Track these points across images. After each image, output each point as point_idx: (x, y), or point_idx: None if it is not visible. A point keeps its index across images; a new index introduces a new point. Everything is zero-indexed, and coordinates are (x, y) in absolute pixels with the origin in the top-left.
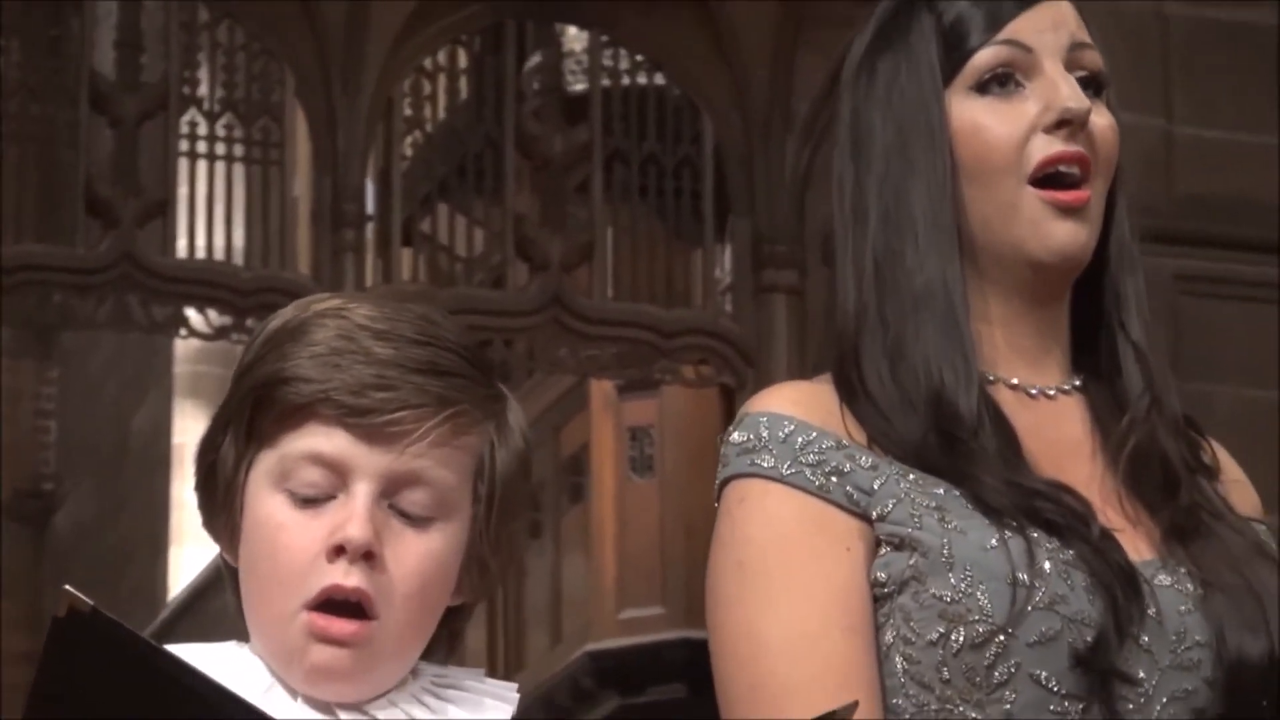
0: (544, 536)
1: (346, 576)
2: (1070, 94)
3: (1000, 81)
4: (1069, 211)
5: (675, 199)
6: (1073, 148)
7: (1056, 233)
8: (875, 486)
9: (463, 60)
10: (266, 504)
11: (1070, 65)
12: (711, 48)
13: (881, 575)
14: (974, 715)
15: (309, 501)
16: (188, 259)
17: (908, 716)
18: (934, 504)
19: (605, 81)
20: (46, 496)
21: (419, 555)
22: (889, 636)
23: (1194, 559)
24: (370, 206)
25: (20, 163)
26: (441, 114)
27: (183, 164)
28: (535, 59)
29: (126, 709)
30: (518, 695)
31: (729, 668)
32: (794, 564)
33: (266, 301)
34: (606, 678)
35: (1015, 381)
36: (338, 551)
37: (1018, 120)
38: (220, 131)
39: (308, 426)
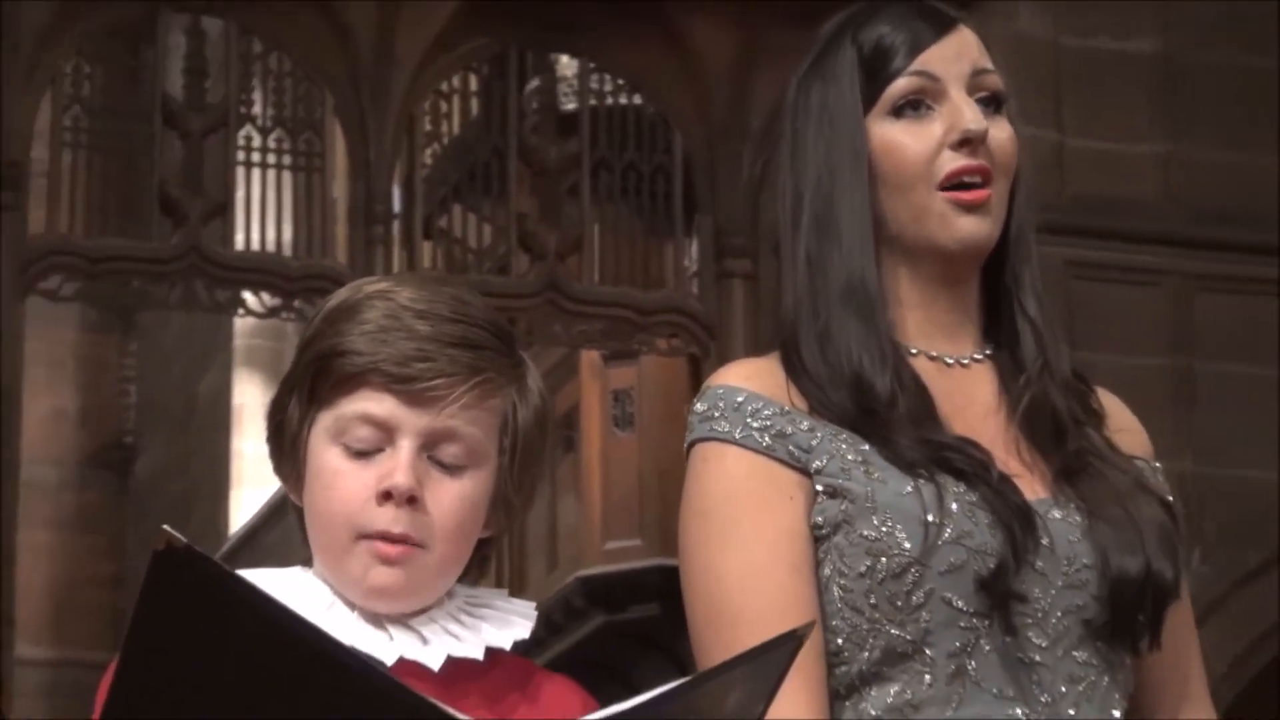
0: (542, 481)
1: (394, 523)
2: (972, 117)
3: (913, 106)
4: (972, 208)
5: (650, 200)
6: (974, 161)
7: (962, 226)
8: (812, 445)
9: (474, 84)
10: (325, 455)
11: (972, 89)
12: (680, 72)
13: (819, 519)
14: (897, 632)
15: (361, 454)
16: (245, 251)
17: (843, 636)
18: (860, 459)
19: (592, 101)
20: (127, 449)
21: (454, 498)
22: (827, 570)
23: (1081, 495)
24: (396, 206)
25: (104, 171)
26: (456, 129)
27: (240, 171)
28: (534, 83)
29: (214, 633)
30: (536, 613)
31: (693, 600)
32: (746, 512)
33: (311, 286)
34: (594, 598)
35: (934, 353)
36: (386, 496)
37: (928, 139)
38: (271, 144)
39: (360, 392)
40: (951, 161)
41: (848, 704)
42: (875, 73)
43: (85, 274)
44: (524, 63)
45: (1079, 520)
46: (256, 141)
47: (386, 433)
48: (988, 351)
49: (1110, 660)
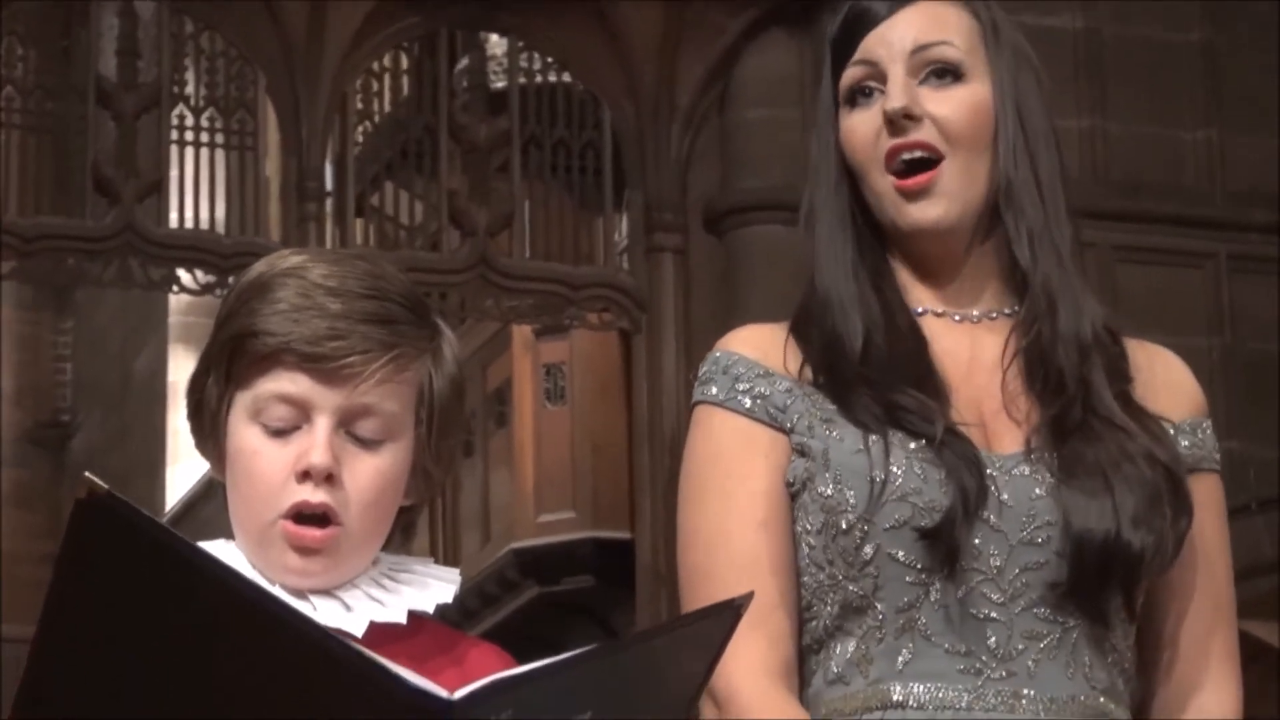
0: (475, 455)
1: (313, 494)
2: (892, 96)
3: (864, 93)
4: (914, 194)
5: (580, 176)
6: (902, 139)
7: (909, 212)
8: (788, 404)
9: (404, 63)
10: (243, 434)
11: (917, 66)
12: (608, 50)
13: (790, 478)
14: (852, 588)
15: (279, 433)
16: (179, 229)
17: (810, 591)
18: (825, 417)
19: (522, 80)
20: (63, 426)
21: (371, 472)
22: (798, 528)
23: (1061, 455)
24: (329, 184)
25: (38, 150)
26: (387, 107)
27: (173, 150)
28: (464, 61)
29: (138, 579)
30: (460, 578)
31: (679, 552)
32: (722, 472)
33: (244, 264)
34: (528, 570)
35: (940, 310)
36: (305, 475)
37: (871, 123)
38: (204, 123)
39: (275, 371)
40: (887, 142)
41: (818, 659)
42: (836, 69)
43: (20, 253)
44: (454, 41)
45: (1046, 477)
46: (190, 121)
47: (303, 411)
48: (1016, 308)
49: (1079, 620)
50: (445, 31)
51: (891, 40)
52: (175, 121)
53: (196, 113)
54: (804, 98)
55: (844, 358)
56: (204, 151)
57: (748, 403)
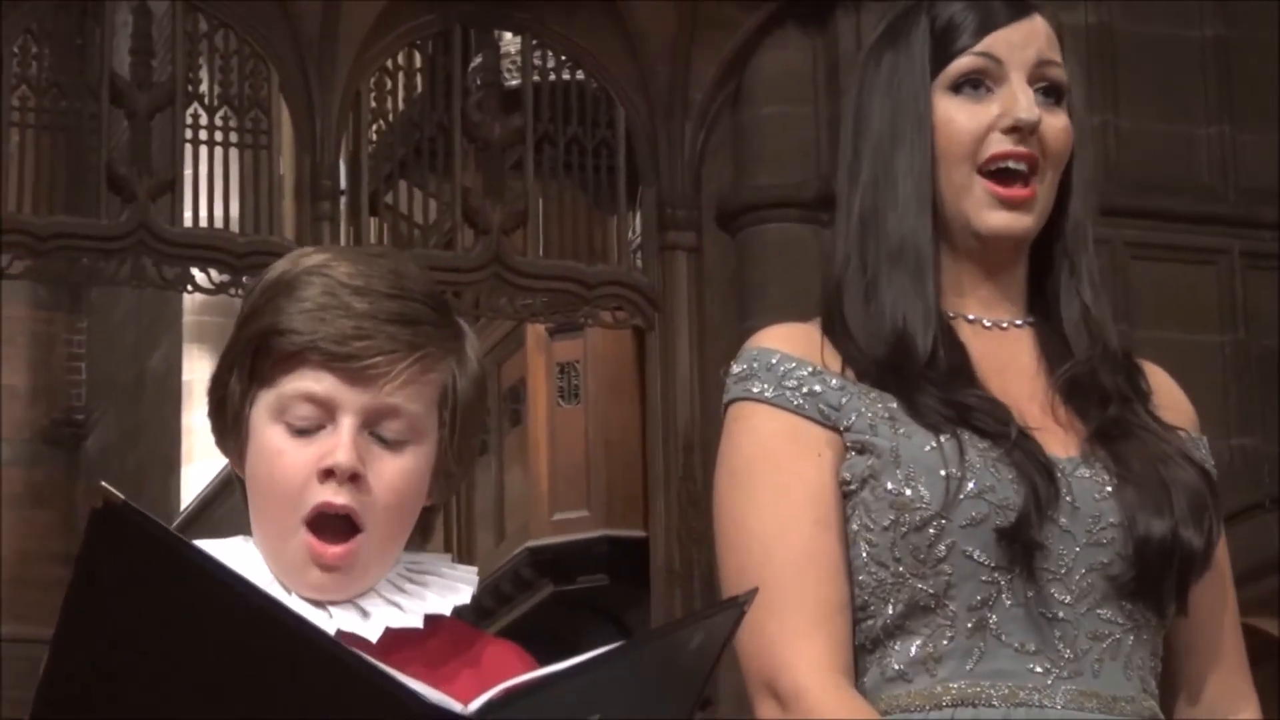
0: (489, 453)
1: (336, 495)
2: (1026, 105)
3: (972, 84)
4: (1009, 204)
5: (594, 174)
6: (1020, 148)
7: (996, 219)
8: (842, 403)
9: (418, 61)
10: (267, 432)
11: (1034, 78)
12: (622, 48)
13: (847, 475)
14: (920, 586)
15: (303, 432)
16: (192, 227)
17: (869, 591)
18: (888, 415)
19: (535, 77)
20: (78, 425)
21: (395, 473)
22: (854, 526)
23: (1114, 457)
24: (343, 182)
25: (52, 149)
26: (401, 105)
27: (187, 149)
28: (478, 59)
29: (153, 590)
30: (477, 578)
31: (724, 552)
32: (775, 468)
33: (258, 262)
34: (542, 569)
35: (971, 316)
36: (328, 474)
37: (980, 119)
38: (218, 121)
39: (300, 370)
40: (998, 144)
41: (873, 658)
42: (943, 46)
43: (34, 252)
44: (468, 39)
45: (1107, 479)
46: (204, 119)
47: (327, 411)
48: (1030, 320)
49: (1137, 620)
50: (459, 29)
51: (1017, 45)
52: (189, 120)
53: (210, 111)
54: (818, 95)
55: (912, 355)
56: (218, 150)
57: (798, 400)
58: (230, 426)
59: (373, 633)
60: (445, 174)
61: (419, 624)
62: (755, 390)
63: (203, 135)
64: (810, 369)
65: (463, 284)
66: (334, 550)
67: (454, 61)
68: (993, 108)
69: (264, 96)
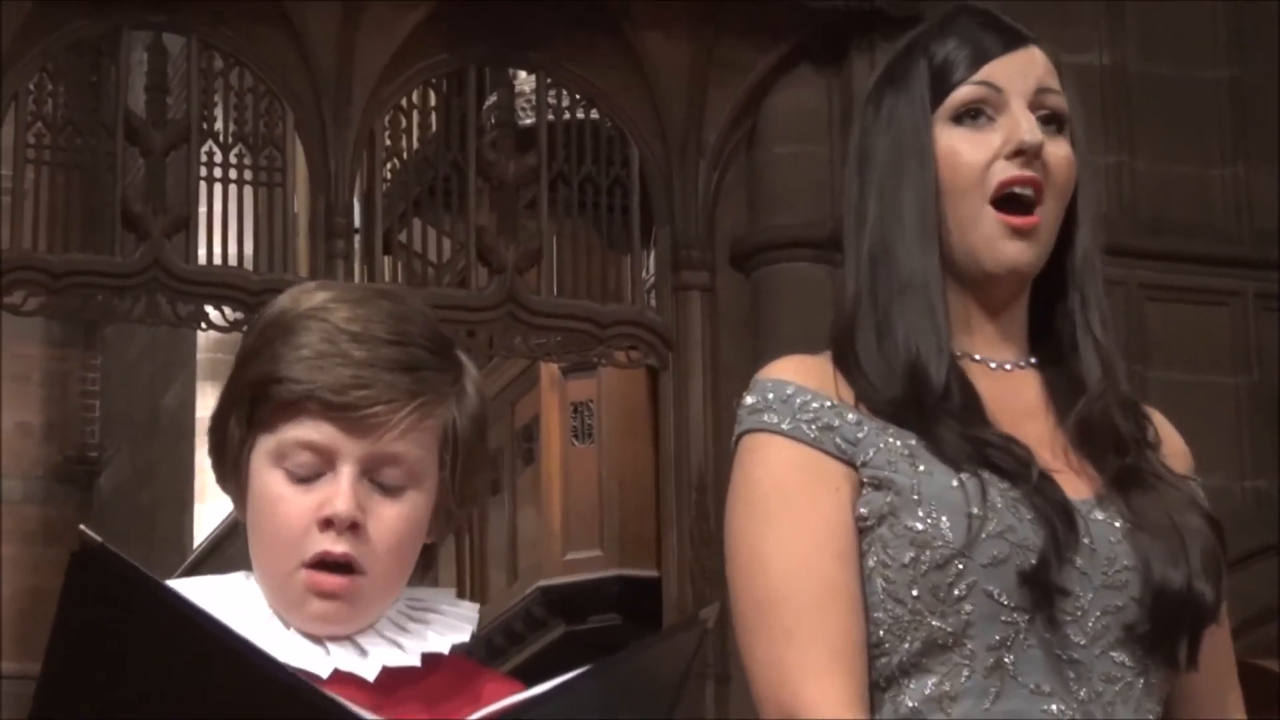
0: (502, 492)
1: (335, 544)
2: (1028, 128)
3: (973, 115)
4: (1020, 233)
5: (608, 213)
6: (1026, 172)
7: (1007, 250)
8: (859, 437)
9: (433, 99)
10: (266, 478)
11: (1034, 105)
12: (637, 87)
13: (864, 511)
14: (938, 624)
15: (302, 479)
16: (207, 265)
17: (884, 628)
18: (907, 451)
19: (550, 116)
20: (91, 462)
21: (395, 519)
22: (871, 562)
23: (1128, 503)
24: (357, 221)
25: (67, 186)
26: (415, 144)
27: (202, 186)
28: (492, 98)
29: (132, 633)
30: (478, 614)
31: (740, 585)
32: (792, 501)
33: (272, 300)
34: (555, 608)
35: (978, 357)
36: (328, 523)
37: (985, 148)
38: (233, 159)
39: (299, 418)
40: (1004, 171)
41: (887, 695)
42: (941, 80)
43: (49, 289)
44: (482, 78)
45: (1120, 524)
46: (218, 157)
47: (326, 459)
48: (1033, 360)
49: (1146, 664)
50: (474, 68)
51: (1015, 73)
52: (204, 158)
53: (225, 149)
54: (832, 134)
55: (927, 388)
56: (232, 188)
57: (814, 433)
58: (230, 469)
59: (370, 671)
60: (459, 213)
61: (417, 662)
62: (770, 421)
63: (217, 173)
64: (826, 402)
65: (476, 323)
66: (334, 580)
67: (468, 100)
68: (996, 136)
69: (279, 134)
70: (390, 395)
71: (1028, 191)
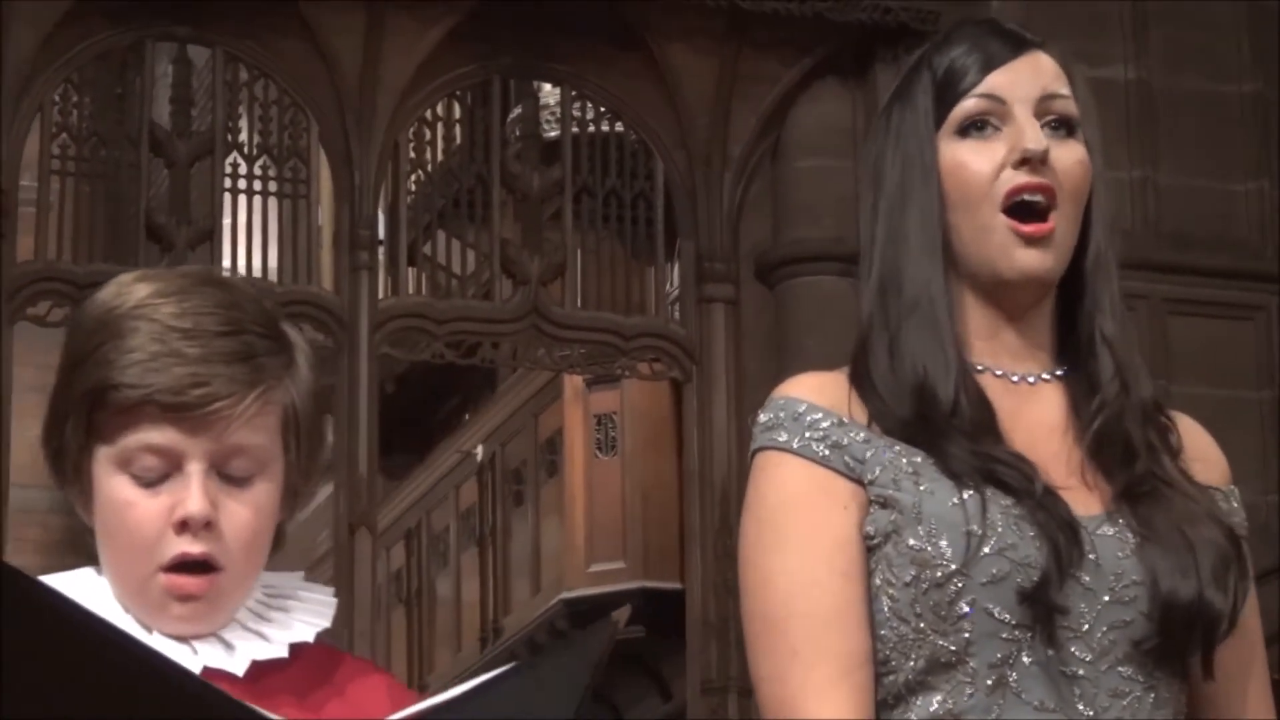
0: (525, 505)
1: (192, 545)
2: (1032, 136)
3: (978, 126)
4: (1033, 241)
5: (632, 226)
6: (1034, 179)
7: (1022, 258)
8: (867, 456)
9: (457, 111)
10: (112, 483)
11: (1041, 112)
12: (661, 100)
13: (870, 529)
14: (940, 643)
15: (149, 483)
16: (231, 277)
17: (890, 646)
18: (912, 469)
19: (574, 129)
20: None
21: (248, 512)
22: (877, 580)
23: (1138, 517)
24: (381, 232)
25: (91, 197)
26: (440, 156)
27: (226, 198)
28: (517, 110)
29: (18, 639)
30: (336, 600)
31: (749, 601)
32: (801, 519)
33: (296, 312)
34: (578, 620)
35: (999, 371)
36: (183, 525)
37: (991, 158)
38: (257, 171)
39: (139, 423)
40: (1012, 179)
41: (893, 713)
42: (945, 94)
43: (73, 300)
44: (507, 90)
45: (1130, 538)
46: (243, 168)
47: (172, 460)
48: (1059, 372)
49: (1156, 678)
50: (498, 80)
51: (1020, 81)
52: (228, 169)
53: (249, 160)
54: (857, 148)
55: (935, 406)
56: (257, 199)
57: (823, 451)
58: (72, 475)
59: (239, 666)
60: (484, 225)
61: (284, 653)
62: (781, 440)
63: (242, 185)
64: (836, 420)
65: (500, 335)
66: (193, 581)
67: (493, 113)
68: (1001, 145)
69: (303, 146)
70: (230, 389)
71: (1039, 198)
